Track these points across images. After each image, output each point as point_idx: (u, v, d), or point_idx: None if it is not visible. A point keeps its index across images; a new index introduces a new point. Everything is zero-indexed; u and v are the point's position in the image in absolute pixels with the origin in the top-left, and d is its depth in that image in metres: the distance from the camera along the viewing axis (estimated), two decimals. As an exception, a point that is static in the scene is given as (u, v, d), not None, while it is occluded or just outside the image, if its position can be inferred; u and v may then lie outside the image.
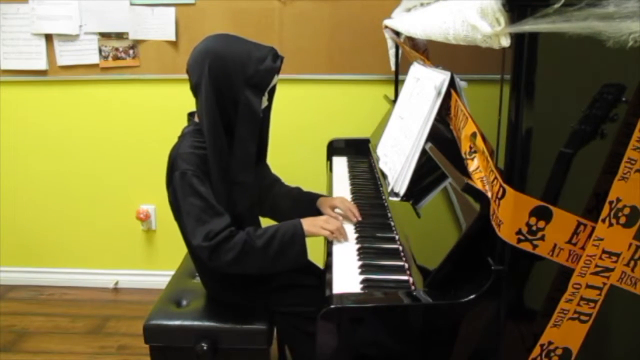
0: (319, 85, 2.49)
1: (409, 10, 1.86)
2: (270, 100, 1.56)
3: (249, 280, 1.56)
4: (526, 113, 0.89)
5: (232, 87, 1.41)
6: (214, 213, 1.39)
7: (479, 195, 0.98)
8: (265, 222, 1.66)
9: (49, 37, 2.49)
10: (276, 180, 1.82)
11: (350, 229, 1.51)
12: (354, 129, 2.42)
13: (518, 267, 0.97)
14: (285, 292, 1.58)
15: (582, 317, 0.94)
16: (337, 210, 1.63)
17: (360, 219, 1.58)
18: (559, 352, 0.97)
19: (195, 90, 1.46)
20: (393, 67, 2.28)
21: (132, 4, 2.42)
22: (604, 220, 0.89)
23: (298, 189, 1.80)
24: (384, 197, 1.70)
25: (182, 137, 1.51)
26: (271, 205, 1.77)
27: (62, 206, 2.71)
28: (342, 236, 1.45)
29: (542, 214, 0.89)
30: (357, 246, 1.40)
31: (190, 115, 1.56)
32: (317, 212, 1.68)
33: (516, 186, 0.89)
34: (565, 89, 0.89)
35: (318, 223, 1.46)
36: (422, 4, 1.62)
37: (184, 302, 1.64)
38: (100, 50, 2.49)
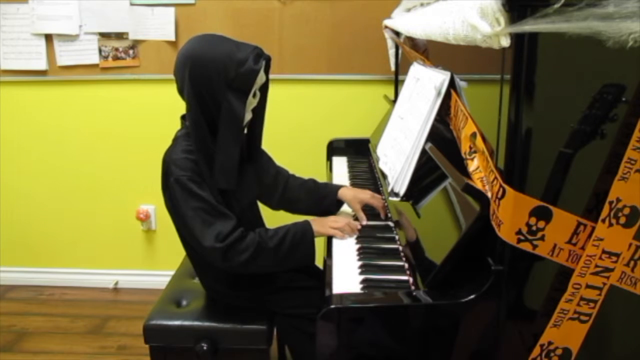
0: (319, 85, 2.49)
1: (409, 10, 1.86)
2: (263, 99, 1.53)
3: (249, 283, 1.55)
4: (526, 113, 0.89)
5: (213, 90, 1.39)
6: (218, 213, 1.39)
7: (479, 195, 0.98)
8: (270, 222, 1.66)
9: (49, 37, 2.49)
10: (280, 171, 1.74)
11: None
12: (354, 129, 2.42)
13: (518, 267, 0.97)
14: (285, 294, 1.58)
15: (582, 317, 0.94)
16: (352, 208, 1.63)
17: (384, 217, 1.60)
18: (559, 352, 0.97)
19: (181, 94, 1.45)
20: (393, 67, 2.28)
21: (132, 4, 2.42)
22: (604, 220, 0.89)
23: (312, 181, 1.75)
24: (384, 197, 1.70)
25: (174, 142, 1.49)
26: (283, 199, 1.72)
27: (62, 206, 2.71)
28: (353, 230, 1.46)
29: (542, 214, 0.89)
30: (357, 246, 1.40)
31: (183, 118, 1.53)
32: (338, 205, 1.67)
33: (516, 186, 0.89)
34: (565, 89, 0.89)
35: (327, 223, 1.48)
36: (422, 4, 1.62)
37: (184, 302, 1.64)
38: (100, 50, 2.49)
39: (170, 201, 1.44)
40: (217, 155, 1.41)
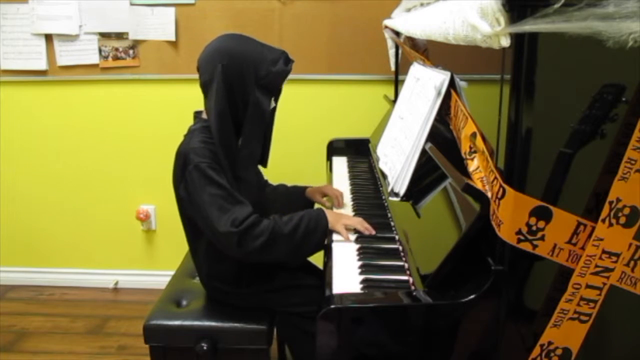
0: (319, 85, 2.49)
1: (409, 10, 1.86)
2: (275, 102, 1.57)
3: (249, 281, 1.56)
4: (526, 113, 0.89)
5: (243, 86, 1.43)
6: (235, 201, 1.40)
7: (479, 195, 0.98)
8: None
9: (49, 37, 2.49)
10: (264, 183, 1.85)
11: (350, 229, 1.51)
12: (354, 129, 2.42)
13: (518, 267, 0.97)
14: (286, 292, 1.58)
15: (582, 317, 0.94)
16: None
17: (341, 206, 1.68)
18: (559, 352, 0.97)
19: (205, 87, 1.46)
20: (393, 67, 2.28)
21: (132, 4, 2.42)
22: (604, 220, 0.89)
23: (282, 186, 1.85)
24: (384, 197, 1.70)
25: (190, 134, 1.51)
26: (263, 207, 1.79)
27: (62, 206, 2.71)
28: (367, 230, 1.45)
29: (542, 214, 0.89)
30: (357, 246, 1.40)
31: (198, 113, 1.57)
32: (308, 203, 1.79)
33: (516, 186, 0.89)
34: (565, 89, 0.89)
35: (341, 219, 1.46)
36: (422, 4, 1.62)
37: (184, 302, 1.65)
38: (100, 50, 2.49)
39: (185, 190, 1.44)
40: (241, 148, 1.47)
